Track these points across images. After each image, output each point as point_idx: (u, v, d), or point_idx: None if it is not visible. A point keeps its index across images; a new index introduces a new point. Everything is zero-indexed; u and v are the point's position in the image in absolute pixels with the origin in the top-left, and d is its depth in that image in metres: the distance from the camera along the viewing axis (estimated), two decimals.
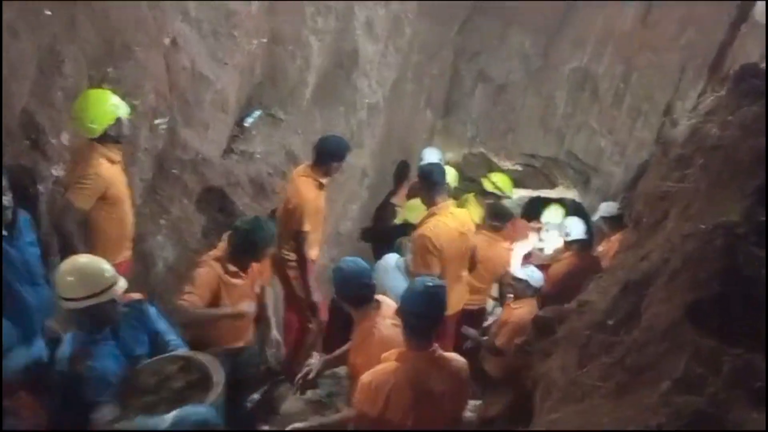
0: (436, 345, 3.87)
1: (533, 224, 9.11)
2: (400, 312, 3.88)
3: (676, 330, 2.49)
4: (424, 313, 3.77)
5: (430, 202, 5.90)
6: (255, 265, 5.37)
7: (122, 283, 4.15)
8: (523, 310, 6.76)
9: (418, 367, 3.82)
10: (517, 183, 9.91)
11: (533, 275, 6.88)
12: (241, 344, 5.53)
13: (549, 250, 8.83)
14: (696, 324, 2.45)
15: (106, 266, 4.13)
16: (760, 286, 2.48)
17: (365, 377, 3.91)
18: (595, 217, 7.87)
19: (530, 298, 6.84)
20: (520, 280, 6.88)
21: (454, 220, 5.92)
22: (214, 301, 5.14)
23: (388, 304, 4.56)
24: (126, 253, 5.48)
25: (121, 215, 5.33)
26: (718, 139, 3.38)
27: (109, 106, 5.08)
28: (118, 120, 5.13)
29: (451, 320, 6.30)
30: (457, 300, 6.20)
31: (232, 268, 5.19)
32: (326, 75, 7.57)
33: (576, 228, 7.45)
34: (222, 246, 5.26)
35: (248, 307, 5.32)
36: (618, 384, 2.68)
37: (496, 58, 9.45)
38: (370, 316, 4.49)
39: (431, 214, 5.84)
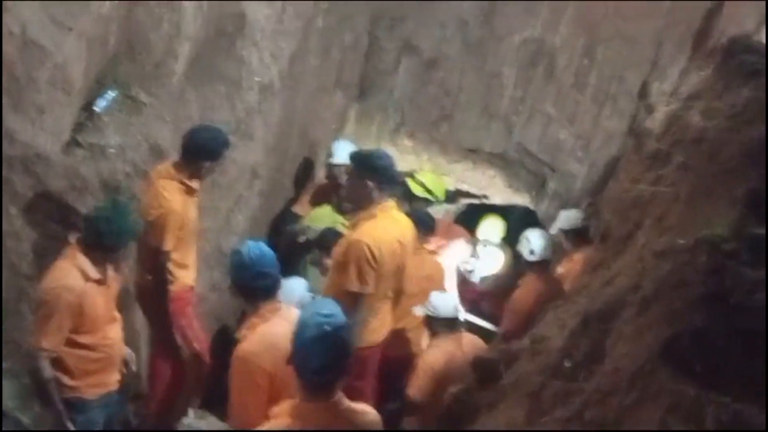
0: (340, 394, 3.85)
1: (466, 236, 9.24)
2: (292, 362, 3.84)
3: (649, 374, 2.53)
4: (322, 367, 3.73)
5: (367, 200, 5.88)
6: (111, 268, 5.47)
7: None
8: (435, 352, 6.77)
9: (319, 425, 3.80)
10: (454, 184, 10.02)
11: (441, 304, 6.86)
12: (111, 387, 5.68)
13: (481, 273, 8.97)
14: (673, 366, 2.49)
15: None
16: (751, 316, 2.54)
17: None
18: (552, 230, 7.99)
19: (448, 335, 6.84)
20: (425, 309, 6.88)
21: (397, 227, 5.98)
22: (74, 327, 5.23)
23: (292, 311, 4.64)
24: None
25: None
26: (701, 130, 3.47)
27: None
28: None
29: (374, 354, 6.31)
30: (381, 325, 6.26)
31: (94, 273, 5.27)
32: (203, 45, 7.48)
33: (540, 243, 7.52)
34: (72, 249, 5.30)
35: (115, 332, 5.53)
36: None
37: (424, 24, 9.51)
38: (263, 314, 4.65)
39: (370, 216, 5.86)
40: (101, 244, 5.26)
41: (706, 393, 2.42)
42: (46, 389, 5.33)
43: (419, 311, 6.82)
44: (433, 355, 6.81)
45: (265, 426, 3.90)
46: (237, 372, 4.57)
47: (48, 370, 5.25)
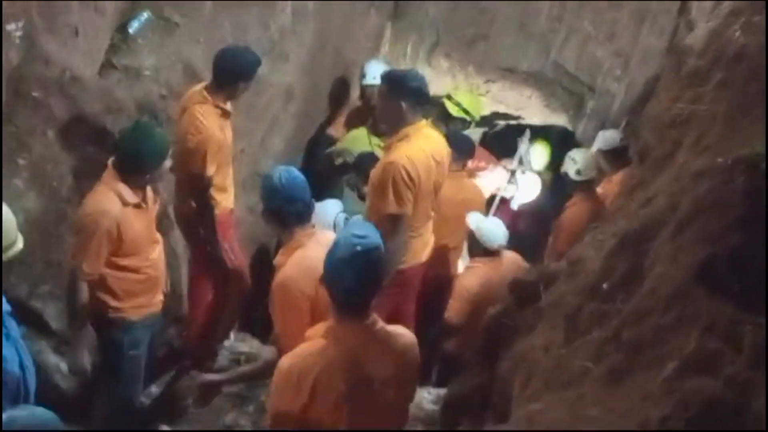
0: (374, 315, 3.87)
1: (505, 162, 9.18)
2: (324, 282, 3.87)
3: (686, 295, 2.52)
4: (353, 287, 3.75)
5: (401, 120, 5.87)
6: (150, 189, 5.52)
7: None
8: (473, 272, 6.83)
9: (354, 345, 3.82)
10: (491, 105, 9.97)
11: (488, 232, 6.90)
12: (154, 308, 5.77)
13: (520, 200, 8.96)
14: (710, 287, 2.49)
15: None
16: None
17: (283, 362, 3.92)
18: (591, 150, 7.94)
19: (486, 258, 6.88)
20: (470, 233, 6.92)
21: (430, 144, 5.96)
22: (114, 250, 5.28)
23: (327, 235, 4.66)
24: None
25: None
26: (741, 46, 3.41)
27: None
28: None
29: (416, 275, 6.35)
30: (423, 245, 6.30)
31: (131, 197, 5.31)
32: None
33: (587, 163, 7.46)
34: (109, 173, 5.33)
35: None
36: (612, 365, 2.72)
37: None
38: (298, 239, 4.67)
39: (403, 137, 5.85)
40: (132, 167, 5.29)
41: (743, 313, 2.42)
42: (77, 312, 5.41)
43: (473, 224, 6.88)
44: (470, 278, 6.85)
45: (301, 347, 3.93)
46: (278, 299, 4.61)
47: (84, 294, 5.32)
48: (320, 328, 3.92)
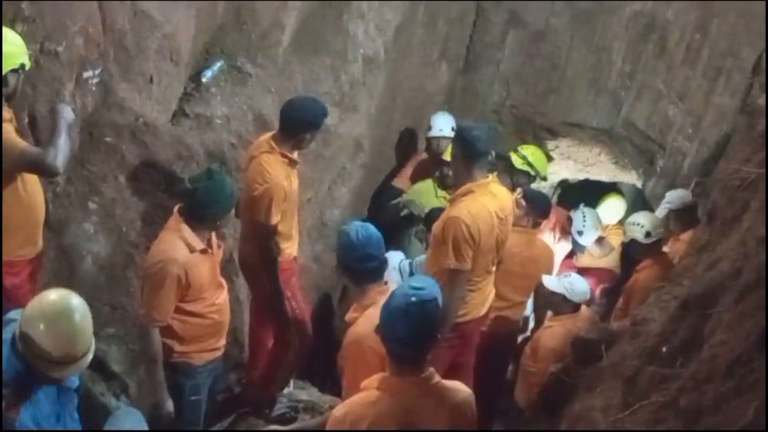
0: (431, 369, 3.86)
1: (565, 212, 9.15)
2: (379, 332, 3.87)
3: (746, 363, 2.49)
4: (407, 338, 3.75)
5: (466, 175, 5.89)
6: (214, 235, 5.60)
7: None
8: (556, 331, 6.79)
9: (407, 399, 3.81)
10: (559, 161, 9.94)
11: (574, 287, 6.91)
12: (218, 353, 5.79)
13: (587, 252, 8.91)
14: None
15: None
16: None
17: (339, 410, 3.93)
18: (660, 209, 7.86)
19: (569, 314, 6.87)
20: (554, 293, 6.91)
21: (494, 201, 5.95)
22: (182, 296, 5.35)
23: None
24: (35, 246, 5.48)
25: (28, 194, 5.31)
26: None
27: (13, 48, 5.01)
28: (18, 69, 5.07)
29: (476, 329, 6.33)
30: (483, 299, 6.26)
31: (198, 243, 5.37)
32: (309, 16, 7.55)
33: (655, 224, 7.39)
34: (176, 220, 5.40)
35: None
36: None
37: None
38: (372, 296, 4.63)
39: (467, 192, 5.86)
40: (200, 214, 5.35)
41: None
42: (153, 362, 5.46)
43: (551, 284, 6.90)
44: (553, 338, 6.79)
45: (355, 397, 3.94)
46: (351, 355, 4.56)
47: (157, 343, 5.38)
48: (376, 378, 3.91)
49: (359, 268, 4.67)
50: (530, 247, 7.16)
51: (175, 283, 5.27)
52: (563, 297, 6.87)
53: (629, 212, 10.00)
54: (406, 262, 7.24)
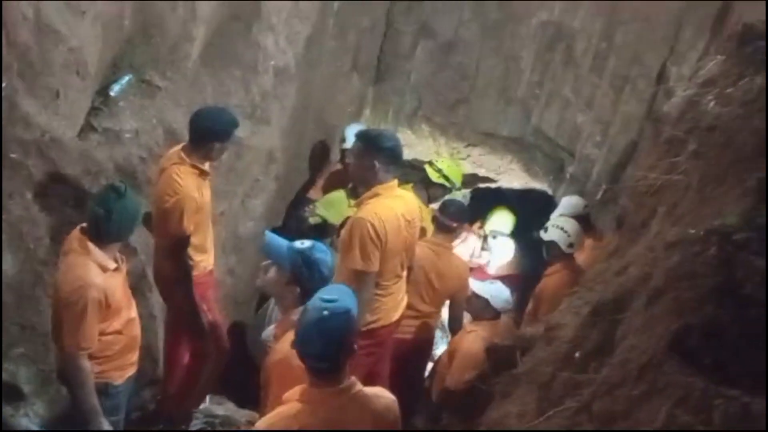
0: (351, 378, 3.83)
1: (476, 228, 9.26)
2: (295, 347, 3.83)
3: (657, 367, 2.51)
4: (323, 353, 3.73)
5: (372, 179, 5.90)
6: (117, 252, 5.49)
7: None
8: (474, 337, 6.83)
9: (329, 409, 3.78)
10: (471, 169, 10.01)
11: (498, 294, 6.95)
12: (134, 369, 5.70)
13: (495, 264, 9.04)
14: (681, 360, 2.47)
15: None
16: (762, 308, 2.52)
17: (260, 424, 3.89)
18: (554, 215, 7.95)
19: (489, 321, 6.92)
20: (478, 297, 6.95)
21: (401, 204, 5.98)
22: (102, 318, 5.24)
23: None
24: None
25: None
26: (715, 117, 3.43)
27: None
28: None
29: (389, 333, 6.34)
30: (394, 305, 6.27)
31: (109, 263, 5.27)
32: (219, 29, 7.49)
33: (578, 236, 7.46)
34: (80, 242, 5.27)
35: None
36: None
37: (442, 7, 9.49)
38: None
39: (373, 195, 5.88)
40: (106, 232, 5.24)
41: (715, 386, 2.41)
42: (85, 391, 5.31)
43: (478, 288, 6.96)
44: (474, 343, 6.83)
45: (277, 410, 3.89)
46: (278, 372, 4.47)
47: (88, 370, 5.25)
48: (297, 391, 3.87)
49: (317, 287, 4.39)
50: (440, 260, 7.18)
51: (97, 308, 5.15)
52: (486, 302, 6.90)
53: (538, 219, 10.18)
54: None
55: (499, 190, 10.33)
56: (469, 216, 7.93)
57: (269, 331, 6.68)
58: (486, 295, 6.94)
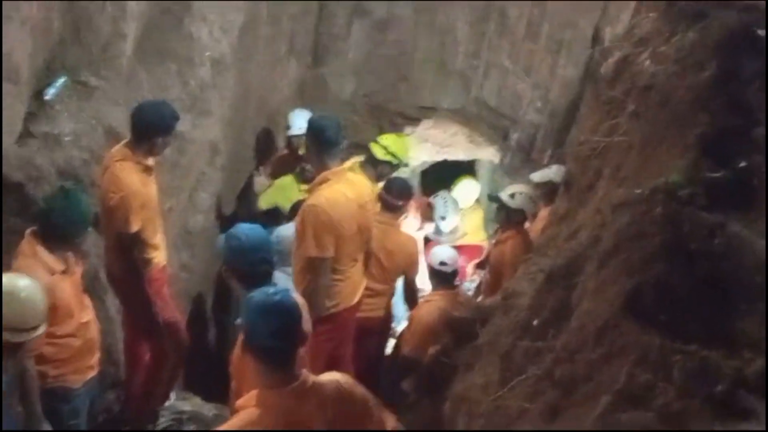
0: (303, 373, 3.77)
1: (426, 199, 9.29)
2: (246, 344, 3.78)
3: (613, 329, 2.53)
4: (277, 345, 3.66)
5: (321, 165, 5.89)
6: (71, 256, 5.44)
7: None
8: (432, 305, 6.86)
9: (288, 409, 3.72)
10: (416, 144, 10.02)
11: (447, 256, 7.02)
12: (93, 373, 5.67)
13: (447, 231, 9.07)
14: (637, 319, 2.50)
15: None
16: (712, 262, 2.55)
17: None
18: (539, 174, 7.89)
19: (446, 290, 6.95)
20: (444, 263, 6.97)
21: (352, 188, 5.97)
22: (50, 320, 5.09)
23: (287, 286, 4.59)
24: None
25: None
26: (651, 76, 3.46)
27: None
28: None
29: (349, 317, 6.35)
30: (353, 289, 6.28)
31: (57, 265, 5.24)
32: (150, 24, 7.40)
33: (521, 194, 7.44)
34: (30, 243, 5.24)
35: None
36: (548, 403, 2.72)
37: None
38: None
39: (323, 180, 5.87)
40: (58, 235, 5.20)
41: (672, 343, 2.43)
42: (30, 393, 5.24)
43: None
44: (426, 309, 6.86)
45: (237, 417, 3.83)
46: (238, 368, 4.45)
47: (33, 371, 5.20)
48: (252, 396, 3.80)
49: (251, 271, 4.56)
50: (387, 238, 7.16)
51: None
52: (430, 268, 6.97)
53: (488, 188, 10.23)
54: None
55: (452, 162, 10.39)
56: (412, 193, 7.91)
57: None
58: (428, 261, 6.99)
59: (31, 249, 5.19)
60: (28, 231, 5.30)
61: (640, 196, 2.76)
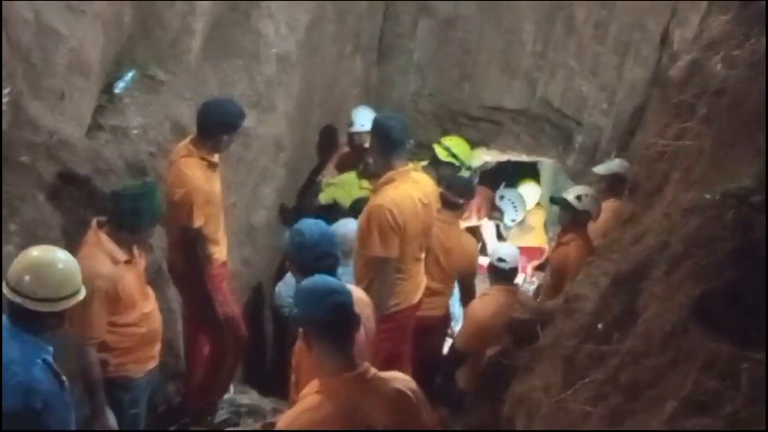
0: (365, 364, 3.80)
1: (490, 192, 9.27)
2: (304, 327, 3.81)
3: (681, 334, 2.52)
4: (333, 319, 3.64)
5: (386, 165, 5.90)
6: (135, 248, 5.51)
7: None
8: (488, 299, 6.84)
9: (349, 398, 3.75)
10: (479, 144, 10.00)
11: (508, 253, 7.01)
12: (154, 363, 5.72)
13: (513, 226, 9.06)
14: (705, 325, 2.48)
15: None
16: None
17: (283, 421, 3.87)
18: (601, 167, 7.81)
19: (504, 287, 6.92)
20: (503, 260, 6.96)
21: (417, 188, 5.97)
22: (112, 309, 5.30)
23: (356, 291, 4.58)
24: None
25: None
26: (723, 80, 3.42)
27: None
28: None
29: (409, 316, 6.35)
30: (415, 288, 6.28)
31: (121, 255, 5.30)
32: (219, 20, 7.48)
33: (587, 196, 7.32)
34: (95, 233, 5.31)
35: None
36: (612, 407, 2.70)
37: None
38: None
39: (389, 180, 5.87)
40: (127, 226, 5.27)
41: (740, 350, 2.41)
42: (93, 381, 5.33)
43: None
44: (481, 304, 6.84)
45: (298, 405, 3.87)
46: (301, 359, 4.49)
47: (96, 362, 5.28)
48: (314, 384, 3.85)
49: (315, 266, 4.51)
50: (446, 237, 7.14)
51: (104, 298, 5.18)
52: (490, 264, 6.96)
53: (550, 190, 10.19)
54: None
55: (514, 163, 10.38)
56: (474, 192, 7.89)
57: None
58: (494, 258, 6.98)
59: (95, 238, 5.27)
60: (93, 221, 5.38)
61: (711, 201, 2.73)
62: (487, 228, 9.51)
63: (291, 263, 4.81)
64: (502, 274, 6.98)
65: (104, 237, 5.25)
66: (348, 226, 6.65)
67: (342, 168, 8.83)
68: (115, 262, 5.24)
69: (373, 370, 3.81)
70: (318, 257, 4.60)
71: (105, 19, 6.47)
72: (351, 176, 8.47)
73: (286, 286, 7.35)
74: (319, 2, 8.45)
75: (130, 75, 6.97)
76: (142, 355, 5.58)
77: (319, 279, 3.82)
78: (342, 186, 8.43)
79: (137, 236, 5.41)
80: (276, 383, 7.07)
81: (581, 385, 3.03)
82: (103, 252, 5.22)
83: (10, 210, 5.98)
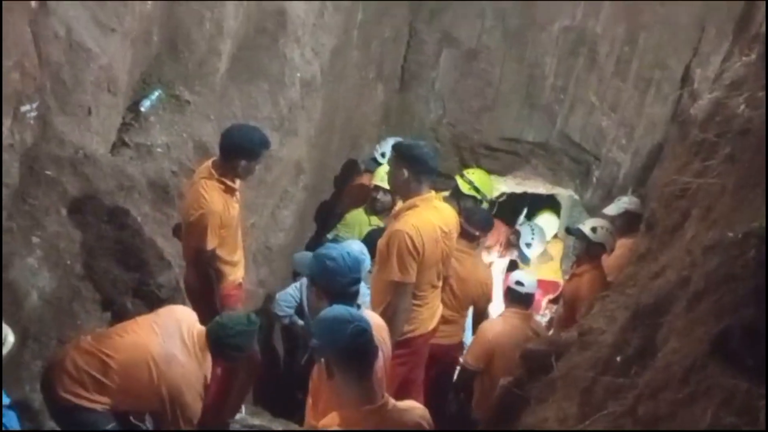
0: (386, 396, 3.82)
1: (508, 228, 9.25)
2: (328, 358, 3.80)
3: (700, 370, 2.53)
4: (354, 346, 3.67)
5: (406, 190, 5.92)
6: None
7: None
8: (500, 319, 6.87)
9: (370, 429, 3.78)
10: (497, 174, 10.03)
11: (526, 278, 7.04)
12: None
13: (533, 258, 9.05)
14: (725, 361, 2.49)
15: None
16: None
17: None
18: (612, 207, 7.83)
19: (518, 310, 6.96)
20: (521, 283, 6.98)
21: (438, 216, 5.98)
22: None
23: (372, 316, 4.60)
24: None
25: None
26: (747, 120, 3.44)
27: None
28: None
29: (424, 342, 6.36)
30: (431, 315, 6.28)
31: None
32: (245, 43, 7.55)
33: (602, 228, 7.35)
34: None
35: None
36: None
37: (464, 15, 9.52)
38: None
39: (411, 206, 5.87)
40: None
41: (759, 387, 2.42)
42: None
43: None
44: (493, 324, 6.85)
45: None
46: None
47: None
48: (335, 416, 3.84)
49: (344, 292, 4.50)
50: (462, 266, 7.15)
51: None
52: (507, 288, 7.08)
53: (565, 223, 10.19)
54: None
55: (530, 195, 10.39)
56: (492, 226, 7.91)
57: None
58: (512, 282, 7.08)
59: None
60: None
61: (733, 240, 2.75)
62: (499, 264, 9.47)
63: (318, 288, 4.64)
64: (518, 297, 7.02)
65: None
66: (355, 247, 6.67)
67: (352, 201, 8.79)
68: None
69: (392, 402, 3.83)
70: (350, 283, 4.55)
71: (134, 37, 6.55)
72: (358, 214, 8.43)
73: (285, 296, 7.42)
74: (345, 28, 8.52)
75: (156, 94, 7.04)
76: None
77: (341, 309, 3.82)
78: (351, 226, 8.36)
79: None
80: (287, 406, 7.12)
81: (598, 416, 3.04)
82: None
83: (34, 223, 6.04)
